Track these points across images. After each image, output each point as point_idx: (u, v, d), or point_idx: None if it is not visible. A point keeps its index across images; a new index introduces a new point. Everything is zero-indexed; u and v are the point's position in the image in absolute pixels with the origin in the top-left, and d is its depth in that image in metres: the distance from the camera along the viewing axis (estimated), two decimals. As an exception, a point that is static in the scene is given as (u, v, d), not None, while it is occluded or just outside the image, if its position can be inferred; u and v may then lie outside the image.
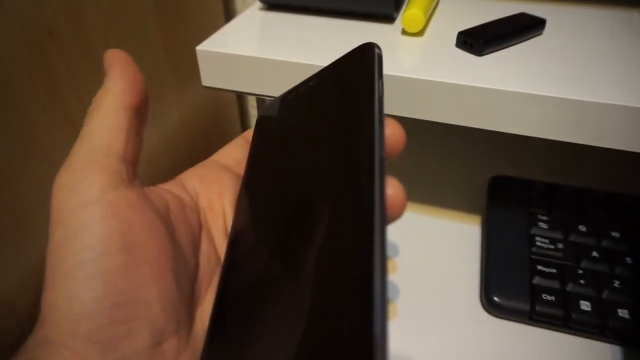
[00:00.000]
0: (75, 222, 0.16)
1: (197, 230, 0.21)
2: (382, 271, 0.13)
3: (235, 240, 0.20)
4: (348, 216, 0.15)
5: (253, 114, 0.65)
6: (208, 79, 0.30)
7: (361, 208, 0.15)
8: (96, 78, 0.33)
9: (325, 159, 0.18)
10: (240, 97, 0.62)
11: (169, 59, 0.41)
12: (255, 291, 0.17)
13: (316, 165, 0.18)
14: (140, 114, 0.19)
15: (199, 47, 0.29)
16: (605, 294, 0.33)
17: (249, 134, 0.25)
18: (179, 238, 0.19)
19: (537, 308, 0.32)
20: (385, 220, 0.14)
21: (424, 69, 0.26)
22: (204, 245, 0.21)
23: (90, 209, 0.16)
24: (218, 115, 0.54)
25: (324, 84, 0.21)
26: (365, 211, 0.14)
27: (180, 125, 0.45)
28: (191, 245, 0.20)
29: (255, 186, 0.21)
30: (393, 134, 0.17)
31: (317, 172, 0.18)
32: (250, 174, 0.22)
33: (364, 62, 0.19)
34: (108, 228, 0.16)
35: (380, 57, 0.19)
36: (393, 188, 0.16)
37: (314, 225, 0.16)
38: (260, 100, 0.49)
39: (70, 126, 0.31)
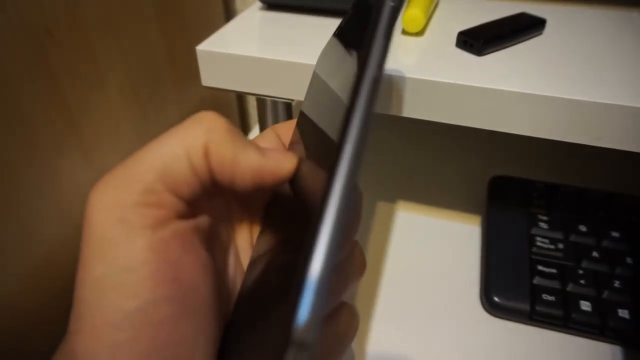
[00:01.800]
0: (120, 259, 0.14)
1: (228, 246, 0.19)
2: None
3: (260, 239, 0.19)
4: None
5: (253, 113, 0.65)
6: (208, 79, 0.30)
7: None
8: (96, 78, 0.33)
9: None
10: (240, 97, 0.62)
11: (169, 59, 0.41)
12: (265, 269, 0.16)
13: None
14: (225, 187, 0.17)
15: (199, 47, 0.29)
16: (605, 294, 0.33)
17: (280, 128, 0.22)
18: (219, 265, 0.17)
19: (537, 308, 0.32)
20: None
21: (424, 69, 0.26)
22: (231, 260, 0.19)
23: (139, 245, 0.14)
24: (218, 115, 0.54)
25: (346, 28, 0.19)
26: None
27: (180, 125, 0.45)
28: (225, 268, 0.18)
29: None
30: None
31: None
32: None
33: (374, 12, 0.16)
34: (158, 273, 0.14)
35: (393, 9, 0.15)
36: None
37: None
38: (260, 100, 0.49)
39: (70, 126, 0.31)
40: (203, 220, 0.17)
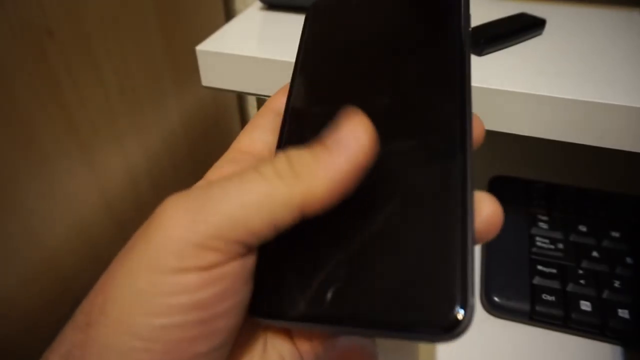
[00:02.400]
0: (166, 286, 0.14)
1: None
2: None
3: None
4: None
5: (253, 114, 0.65)
6: (208, 79, 0.30)
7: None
8: (96, 78, 0.33)
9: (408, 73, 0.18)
10: (240, 97, 0.62)
11: (169, 59, 0.41)
12: None
13: (396, 72, 0.19)
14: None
15: (199, 47, 0.29)
16: (605, 294, 0.33)
17: (273, 102, 0.21)
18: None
19: (537, 308, 0.32)
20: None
21: (424, 69, 0.26)
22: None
23: (187, 280, 0.14)
24: (218, 115, 0.54)
25: None
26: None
27: (181, 125, 0.45)
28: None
29: (318, 77, 0.21)
30: (475, 126, 0.17)
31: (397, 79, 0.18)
32: (309, 66, 0.21)
33: None
34: (196, 302, 0.14)
35: None
36: (492, 205, 0.16)
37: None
38: (260, 100, 0.49)
39: (70, 126, 0.31)
40: (251, 255, 0.16)
